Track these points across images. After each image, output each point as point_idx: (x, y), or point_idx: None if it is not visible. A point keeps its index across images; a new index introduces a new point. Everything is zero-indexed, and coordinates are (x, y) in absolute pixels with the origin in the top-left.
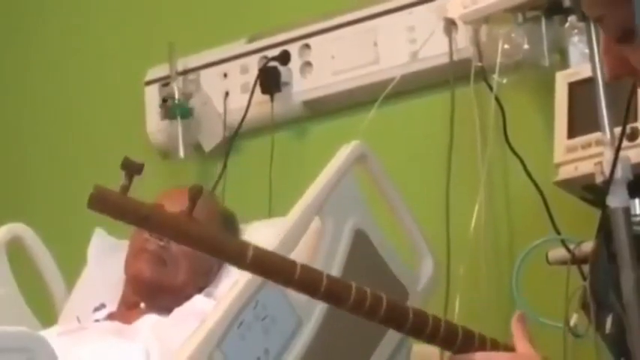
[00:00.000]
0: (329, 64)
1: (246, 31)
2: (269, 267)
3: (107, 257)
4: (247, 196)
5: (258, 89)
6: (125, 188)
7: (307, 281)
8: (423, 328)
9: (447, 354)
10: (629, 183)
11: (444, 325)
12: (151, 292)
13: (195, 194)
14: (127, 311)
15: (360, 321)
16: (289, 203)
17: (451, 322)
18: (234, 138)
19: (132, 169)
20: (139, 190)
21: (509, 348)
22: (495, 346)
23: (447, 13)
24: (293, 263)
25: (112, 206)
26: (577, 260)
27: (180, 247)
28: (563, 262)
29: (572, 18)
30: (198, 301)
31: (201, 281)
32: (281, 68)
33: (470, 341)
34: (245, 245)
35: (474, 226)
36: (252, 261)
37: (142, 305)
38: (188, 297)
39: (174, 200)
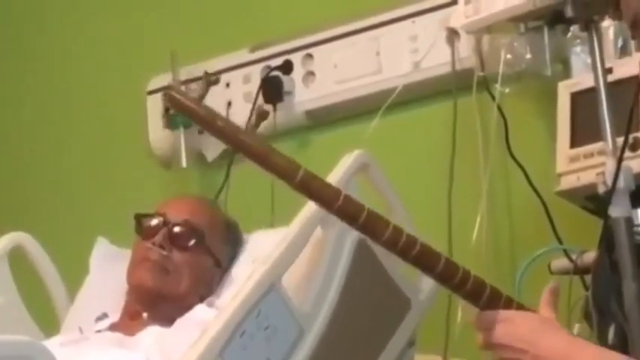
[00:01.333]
0: (331, 74)
1: (249, 41)
2: (315, 189)
3: (109, 266)
4: (250, 205)
5: (260, 99)
6: (201, 98)
7: (347, 210)
8: (452, 275)
9: None
10: (631, 193)
11: (473, 279)
12: (154, 301)
13: (262, 114)
14: (129, 322)
15: (362, 332)
16: (292, 213)
17: (480, 279)
18: None
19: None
20: (141, 200)
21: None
22: (521, 308)
23: (449, 23)
24: (338, 191)
25: (185, 106)
26: (579, 270)
27: (183, 256)
28: (566, 272)
29: (574, 28)
30: (199, 310)
31: (203, 290)
32: (283, 78)
33: (496, 299)
34: (296, 166)
35: (476, 236)
36: (300, 181)
37: (145, 315)
38: (190, 306)
39: (175, 209)
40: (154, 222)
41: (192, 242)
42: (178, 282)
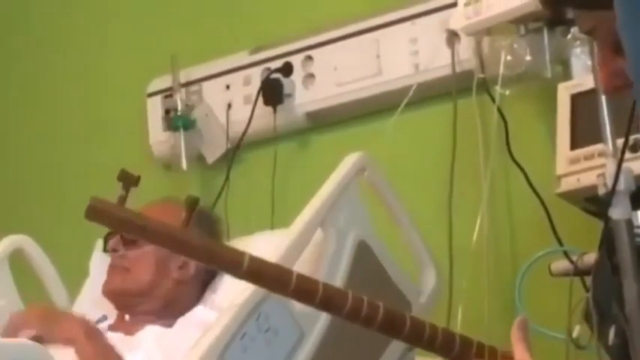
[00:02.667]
0: (332, 76)
1: (249, 43)
2: (265, 276)
3: None
4: (250, 207)
5: (260, 101)
6: (122, 199)
7: (303, 290)
8: (420, 335)
9: None
10: (631, 194)
11: (442, 333)
12: (126, 301)
13: (192, 205)
14: (122, 323)
15: (362, 334)
16: (292, 215)
17: (449, 330)
18: (237, 149)
19: (129, 180)
20: (142, 202)
21: (508, 356)
22: (493, 353)
23: (449, 25)
24: (289, 272)
25: (108, 217)
26: (580, 272)
27: (137, 251)
28: (566, 274)
29: (574, 29)
30: (200, 311)
31: (177, 273)
32: (284, 80)
33: (468, 348)
34: (241, 254)
35: (476, 238)
36: (248, 270)
37: (127, 317)
38: (171, 298)
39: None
40: (109, 233)
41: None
42: (140, 275)
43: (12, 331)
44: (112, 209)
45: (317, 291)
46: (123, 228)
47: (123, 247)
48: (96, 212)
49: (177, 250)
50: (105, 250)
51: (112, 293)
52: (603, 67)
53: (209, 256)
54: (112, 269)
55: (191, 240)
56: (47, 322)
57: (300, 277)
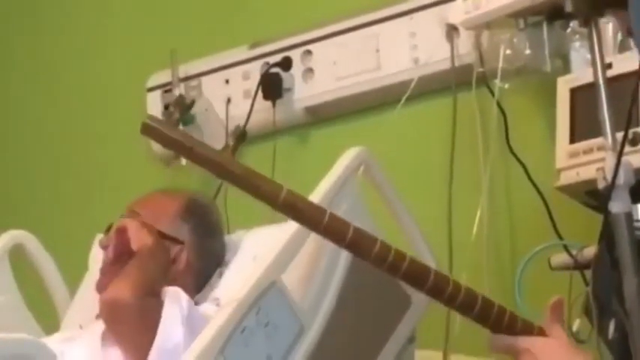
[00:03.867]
0: (331, 70)
1: (248, 38)
2: (299, 209)
3: None
4: (250, 201)
5: (260, 95)
6: (176, 122)
7: (334, 229)
8: (442, 289)
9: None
10: (631, 188)
11: (464, 291)
12: None
13: (239, 137)
14: None
15: (363, 328)
16: None
17: (471, 290)
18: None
19: (183, 106)
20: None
21: (528, 324)
22: (513, 318)
23: (448, 19)
24: (322, 209)
25: (160, 134)
26: (579, 266)
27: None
28: (566, 268)
29: (573, 23)
30: (202, 307)
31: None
32: (283, 74)
33: (489, 309)
34: (279, 187)
35: (476, 232)
36: (284, 201)
37: None
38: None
39: (143, 205)
40: (106, 228)
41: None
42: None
43: None
44: (165, 128)
45: (347, 232)
46: (172, 146)
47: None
48: (150, 129)
49: (220, 175)
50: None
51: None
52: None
53: (249, 185)
54: (102, 276)
55: (234, 167)
56: None
57: (333, 216)
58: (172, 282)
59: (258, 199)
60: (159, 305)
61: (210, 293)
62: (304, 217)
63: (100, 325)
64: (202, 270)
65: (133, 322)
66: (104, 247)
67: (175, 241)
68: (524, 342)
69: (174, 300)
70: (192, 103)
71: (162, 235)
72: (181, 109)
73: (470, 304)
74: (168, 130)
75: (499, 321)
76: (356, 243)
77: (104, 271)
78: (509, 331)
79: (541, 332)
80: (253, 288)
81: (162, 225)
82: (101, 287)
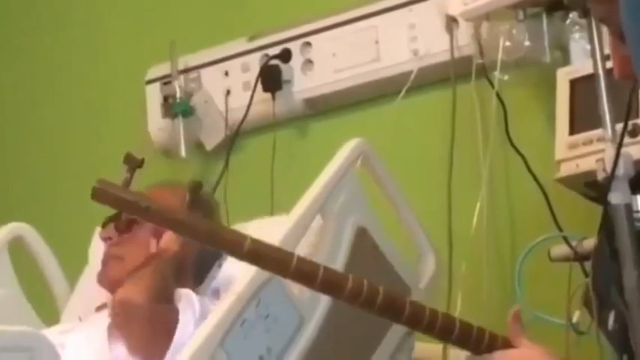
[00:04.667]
0: (330, 62)
1: (247, 30)
2: (266, 257)
3: None
4: (249, 194)
5: (259, 87)
6: (127, 182)
7: (304, 272)
8: (419, 319)
9: (452, 352)
10: (630, 179)
11: (442, 317)
12: None
13: (195, 189)
14: None
15: (362, 320)
16: (291, 201)
17: (449, 315)
18: (236, 136)
19: (133, 163)
20: (140, 189)
21: (509, 342)
22: (493, 338)
23: (447, 11)
24: (289, 254)
25: (113, 198)
26: (579, 257)
27: (131, 236)
28: (566, 259)
29: (573, 14)
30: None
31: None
32: (282, 66)
33: (467, 333)
34: (242, 237)
35: (475, 223)
36: (248, 251)
37: None
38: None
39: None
40: (104, 222)
41: (131, 220)
42: (133, 262)
43: None
44: (117, 191)
45: (317, 273)
46: (127, 209)
47: (117, 234)
48: (101, 194)
49: (180, 232)
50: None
51: (108, 283)
52: (615, 53)
53: (211, 238)
54: (105, 258)
55: (193, 222)
56: None
57: (301, 259)
58: (177, 277)
59: (223, 250)
60: (171, 311)
61: (210, 284)
62: (271, 263)
63: (102, 318)
64: (204, 263)
65: (143, 324)
66: (105, 238)
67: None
68: (501, 356)
69: (189, 305)
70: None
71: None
72: (132, 170)
73: (448, 328)
74: (121, 192)
75: (479, 342)
76: (328, 283)
77: (105, 262)
78: (489, 351)
79: (506, 344)
80: (253, 280)
81: (169, 209)
82: (102, 278)
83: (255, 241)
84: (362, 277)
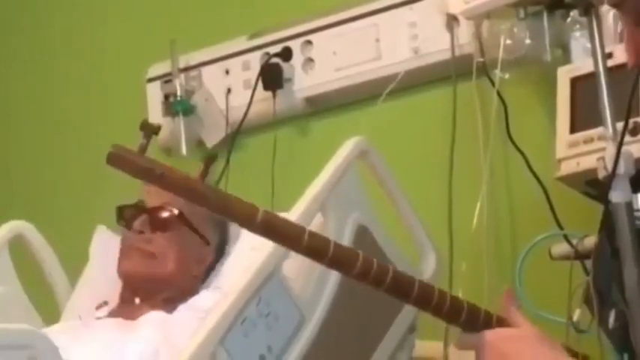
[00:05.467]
0: (331, 61)
1: (248, 28)
2: (277, 230)
3: (109, 254)
4: (250, 192)
5: (260, 86)
6: (143, 147)
7: (314, 247)
8: (428, 300)
9: (451, 348)
10: (631, 178)
11: (450, 300)
12: (145, 287)
13: (210, 159)
14: (126, 307)
15: (363, 318)
16: (292, 199)
17: (457, 298)
18: (237, 134)
19: (150, 129)
20: (141, 187)
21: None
22: (501, 322)
23: (448, 9)
24: (301, 228)
25: (128, 164)
26: (580, 255)
27: (165, 237)
28: (566, 258)
29: (574, 13)
30: (202, 297)
31: (196, 269)
32: (283, 65)
33: (475, 316)
34: (255, 208)
35: (476, 222)
36: (261, 223)
37: (137, 300)
38: (184, 289)
39: (154, 194)
40: (134, 209)
41: (171, 222)
42: (165, 263)
43: None
44: (133, 156)
45: (328, 249)
46: (142, 175)
47: (150, 230)
48: (116, 159)
49: (194, 201)
50: (119, 222)
51: (131, 277)
52: (630, 42)
53: (224, 208)
54: (136, 252)
55: (207, 191)
56: None
57: (312, 234)
58: (196, 280)
59: (235, 221)
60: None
61: (212, 281)
62: (283, 236)
63: (106, 327)
64: (213, 265)
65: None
66: (137, 231)
67: (206, 242)
68: (496, 333)
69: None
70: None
71: (192, 229)
72: (148, 136)
73: (456, 311)
74: (136, 158)
75: (486, 326)
76: (338, 259)
77: (130, 255)
78: None
79: (501, 322)
80: (254, 278)
81: (199, 224)
82: (128, 268)
83: (267, 213)
84: (371, 258)
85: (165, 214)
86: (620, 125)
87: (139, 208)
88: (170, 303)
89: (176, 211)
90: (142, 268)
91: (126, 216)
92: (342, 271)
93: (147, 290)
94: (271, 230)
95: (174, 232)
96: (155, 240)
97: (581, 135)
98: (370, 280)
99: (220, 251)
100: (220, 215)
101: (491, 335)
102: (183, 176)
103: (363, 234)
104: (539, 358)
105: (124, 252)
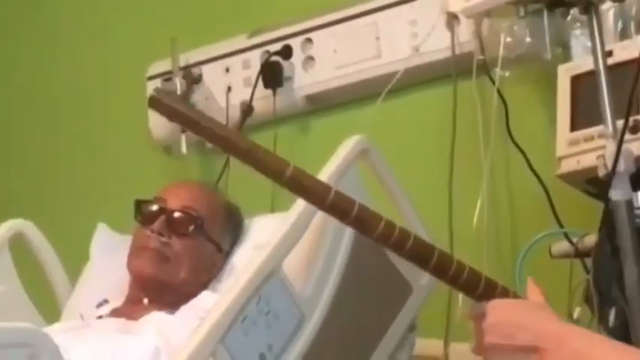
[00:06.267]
0: (331, 59)
1: (248, 26)
2: (304, 186)
3: (110, 253)
4: (250, 190)
5: (260, 84)
6: (185, 94)
7: (339, 205)
8: (446, 269)
9: (451, 346)
10: (631, 176)
11: (468, 271)
12: (155, 289)
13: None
14: (132, 307)
15: (364, 317)
16: (292, 198)
17: (475, 270)
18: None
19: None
20: (142, 186)
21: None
22: (516, 296)
23: (448, 7)
24: (328, 187)
25: (167, 108)
26: (580, 253)
27: (182, 243)
28: (567, 256)
29: (574, 11)
30: (203, 298)
31: (204, 276)
32: (283, 63)
33: (492, 290)
34: (285, 163)
35: (476, 220)
36: (290, 178)
37: (146, 301)
38: (192, 292)
39: (175, 195)
40: (153, 208)
41: (191, 228)
42: (178, 269)
43: None
44: (171, 101)
45: (352, 209)
46: (179, 120)
47: (169, 233)
48: (156, 102)
49: (227, 150)
50: (137, 217)
51: (143, 277)
52: None
53: (256, 161)
54: (151, 253)
55: (241, 142)
56: None
57: (338, 193)
58: (202, 288)
59: (264, 174)
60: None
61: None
62: (310, 193)
63: (107, 326)
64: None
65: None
66: (155, 231)
67: (219, 249)
68: (499, 302)
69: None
70: (200, 77)
71: (208, 238)
72: (190, 84)
73: (473, 283)
74: (174, 104)
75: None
76: (361, 220)
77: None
78: None
79: (504, 293)
80: (254, 277)
81: (215, 230)
82: (141, 266)
83: (297, 169)
84: (394, 222)
85: (186, 221)
86: (620, 123)
87: (160, 208)
88: (175, 305)
89: (198, 219)
90: (155, 271)
91: (145, 213)
92: (364, 232)
93: (156, 292)
94: (298, 185)
95: (199, 238)
96: (172, 245)
97: (581, 133)
98: (391, 244)
99: (229, 254)
100: (251, 166)
101: (494, 303)
102: (218, 124)
103: None
104: (542, 319)
105: (138, 250)
